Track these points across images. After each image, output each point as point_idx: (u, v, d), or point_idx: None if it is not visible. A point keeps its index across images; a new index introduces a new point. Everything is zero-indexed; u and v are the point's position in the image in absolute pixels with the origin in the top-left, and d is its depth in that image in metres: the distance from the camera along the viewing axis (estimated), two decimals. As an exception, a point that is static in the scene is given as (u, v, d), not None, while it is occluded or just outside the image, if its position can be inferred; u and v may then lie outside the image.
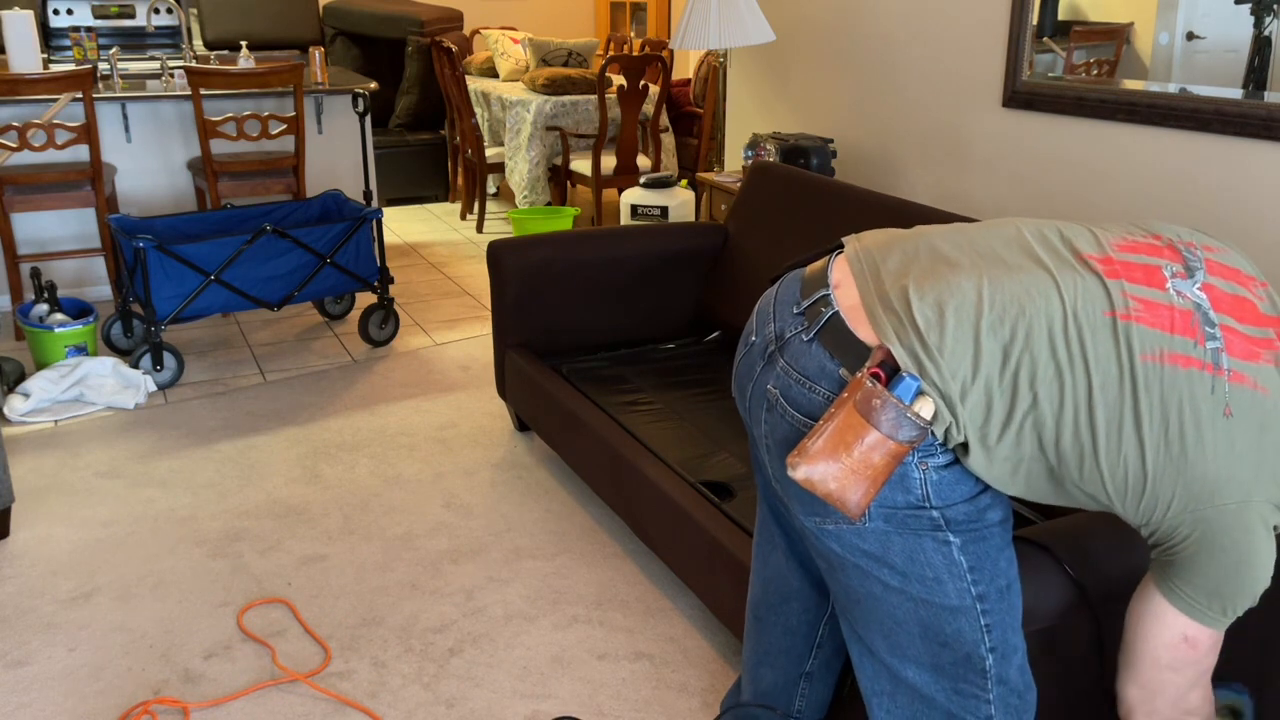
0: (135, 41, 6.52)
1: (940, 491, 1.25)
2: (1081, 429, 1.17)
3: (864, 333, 1.24)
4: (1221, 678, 1.50)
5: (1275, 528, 1.17)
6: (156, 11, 6.46)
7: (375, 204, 4.36)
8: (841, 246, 1.37)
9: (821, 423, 1.21)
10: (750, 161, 3.62)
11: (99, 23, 6.47)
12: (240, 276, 3.64)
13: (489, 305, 4.52)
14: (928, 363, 1.19)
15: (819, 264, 1.35)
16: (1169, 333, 1.16)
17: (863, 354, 1.23)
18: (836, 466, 1.20)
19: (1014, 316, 1.18)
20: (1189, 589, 1.18)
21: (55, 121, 3.90)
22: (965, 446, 1.22)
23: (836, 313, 1.26)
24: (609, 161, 5.60)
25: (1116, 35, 2.71)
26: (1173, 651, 1.21)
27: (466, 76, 6.40)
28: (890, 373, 1.20)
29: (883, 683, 1.37)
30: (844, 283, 1.28)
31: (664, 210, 4.71)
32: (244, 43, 5.01)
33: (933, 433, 1.21)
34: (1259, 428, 1.14)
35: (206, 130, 4.12)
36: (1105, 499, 1.20)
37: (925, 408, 1.19)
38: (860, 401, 1.19)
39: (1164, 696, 1.24)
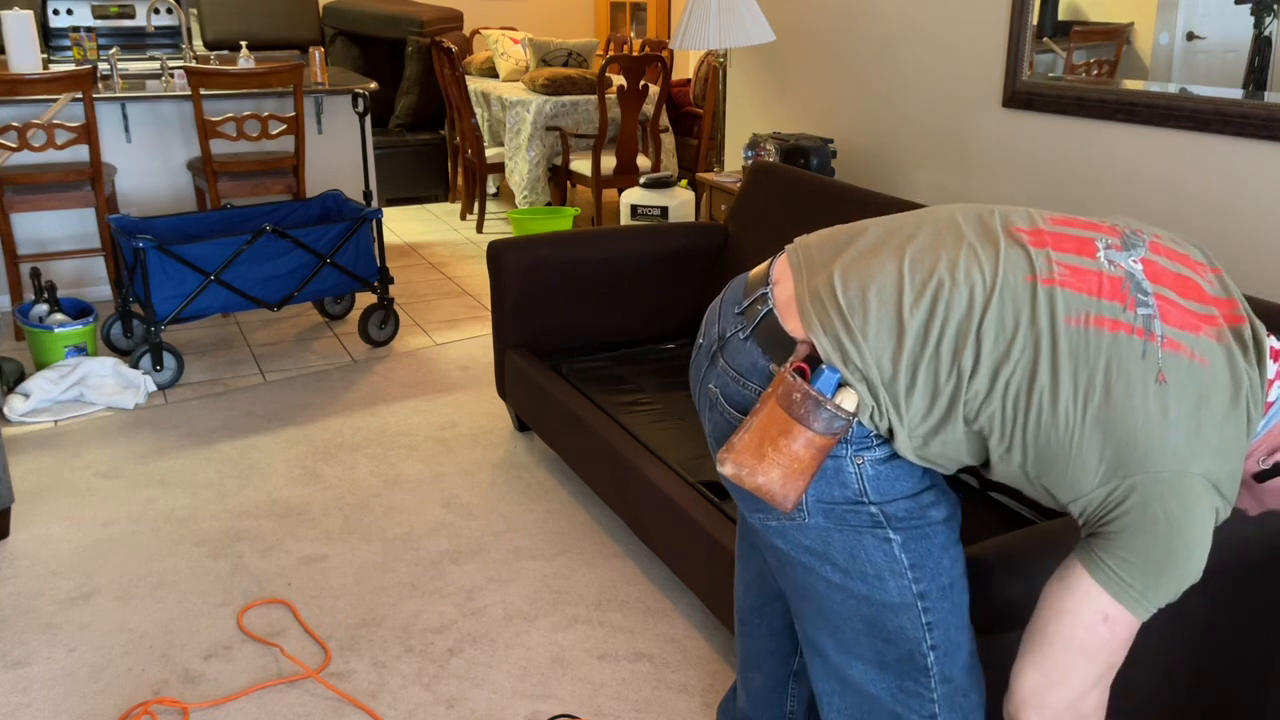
0: (135, 41, 6.52)
1: (878, 486, 1.25)
2: (1007, 398, 1.15)
3: (792, 326, 1.25)
4: None
5: (1217, 509, 1.13)
6: (156, 11, 6.46)
7: (375, 204, 4.36)
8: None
9: (748, 418, 1.23)
10: (750, 162, 3.62)
11: (99, 23, 6.47)
12: (240, 277, 3.64)
13: (489, 305, 4.52)
14: (850, 347, 1.20)
15: (763, 264, 1.37)
16: (1095, 297, 1.15)
17: (790, 348, 1.25)
18: (763, 461, 1.21)
19: (934, 291, 1.18)
20: (1114, 562, 1.13)
21: (55, 121, 3.90)
22: (893, 432, 1.21)
23: (770, 309, 1.28)
24: (609, 161, 5.60)
25: (1116, 35, 2.71)
26: (1089, 631, 1.15)
27: (466, 76, 6.40)
28: (815, 366, 1.21)
29: (831, 682, 1.38)
30: (782, 280, 1.30)
31: (664, 210, 4.71)
32: (244, 43, 5.01)
33: (861, 423, 1.22)
34: (1196, 399, 1.10)
35: (206, 130, 4.12)
36: (1035, 472, 1.18)
37: (847, 400, 1.19)
38: (782, 396, 1.20)
39: (1064, 688, 1.17)
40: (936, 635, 1.30)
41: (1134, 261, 1.18)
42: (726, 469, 1.23)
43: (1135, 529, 1.11)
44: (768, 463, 1.21)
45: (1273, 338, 1.19)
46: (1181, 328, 1.13)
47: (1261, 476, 1.20)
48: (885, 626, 1.30)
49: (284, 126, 4.24)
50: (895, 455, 1.25)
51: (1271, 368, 1.16)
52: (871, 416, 1.21)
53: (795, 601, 1.36)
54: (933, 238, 1.24)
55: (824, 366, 1.20)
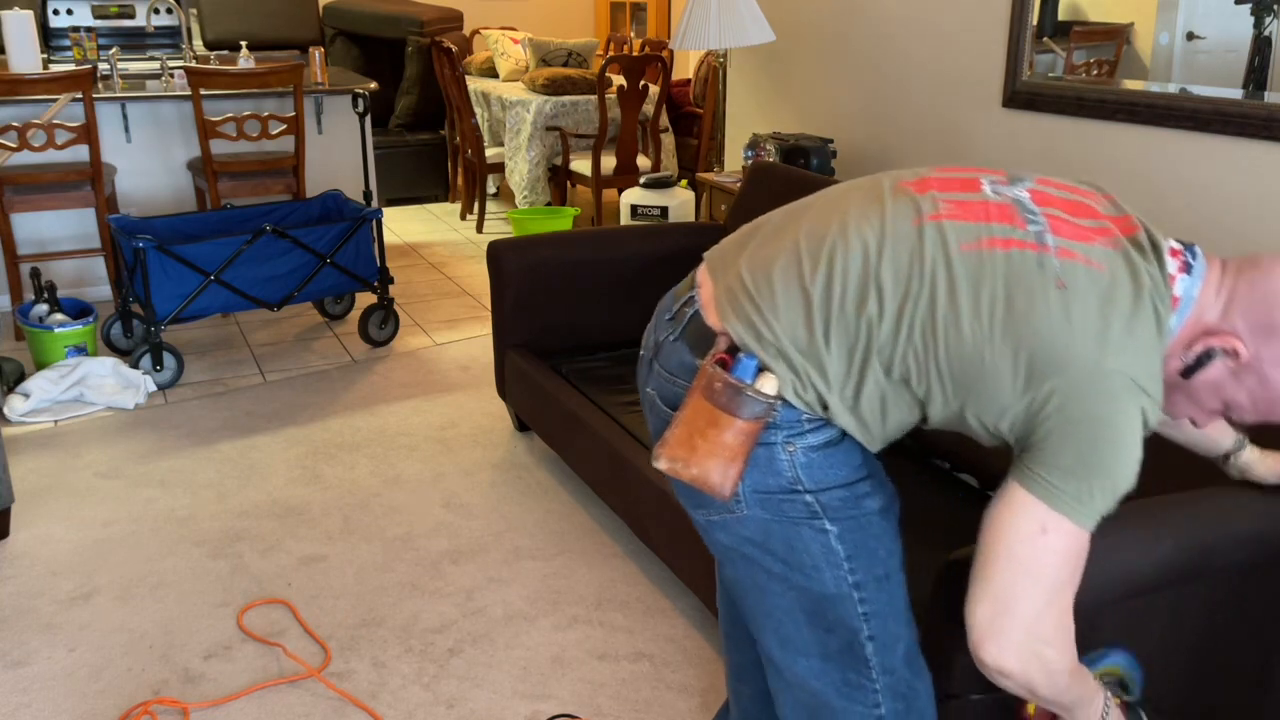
0: (135, 41, 6.52)
1: (811, 474, 1.26)
2: (914, 335, 1.17)
3: (712, 320, 1.29)
4: (1109, 644, 1.44)
5: (1143, 409, 1.13)
6: (156, 11, 6.46)
7: (375, 204, 4.36)
8: None
9: (677, 413, 1.27)
10: (750, 162, 3.62)
11: (99, 23, 6.47)
12: (240, 277, 3.64)
13: (489, 305, 4.52)
14: (763, 327, 1.23)
15: (689, 275, 1.41)
16: (985, 222, 1.18)
17: (713, 342, 1.29)
18: (695, 453, 1.24)
19: (829, 253, 1.22)
20: (1044, 470, 1.13)
21: (55, 121, 3.90)
22: (827, 405, 1.23)
23: (696, 310, 1.33)
24: (609, 161, 5.60)
25: (1116, 35, 2.71)
26: (1029, 545, 1.14)
27: (466, 76, 6.40)
28: (736, 355, 1.25)
29: (780, 680, 1.39)
30: (704, 283, 1.34)
31: (664, 210, 4.71)
32: (244, 43, 5.01)
33: (790, 405, 1.24)
34: (1099, 300, 1.13)
35: (206, 130, 4.12)
36: (959, 402, 1.19)
37: (767, 384, 1.22)
38: (705, 388, 1.24)
39: (1015, 613, 1.15)
40: (874, 626, 1.31)
41: (1020, 190, 1.22)
42: (661, 464, 1.27)
43: (1060, 432, 1.12)
44: (700, 454, 1.24)
45: (1172, 239, 1.22)
46: (1074, 238, 1.16)
47: (1187, 372, 1.21)
48: (825, 618, 1.31)
49: (284, 126, 4.24)
50: (829, 443, 1.26)
51: (1172, 264, 1.19)
52: (796, 392, 1.23)
53: (741, 600, 1.38)
54: (824, 211, 1.28)
55: (741, 355, 1.24)
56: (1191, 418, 1.28)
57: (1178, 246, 1.21)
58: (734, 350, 1.25)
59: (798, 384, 1.23)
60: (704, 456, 1.24)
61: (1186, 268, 1.20)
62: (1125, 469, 1.13)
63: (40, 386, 3.43)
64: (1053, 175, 1.28)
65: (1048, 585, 1.15)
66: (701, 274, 1.36)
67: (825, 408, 1.24)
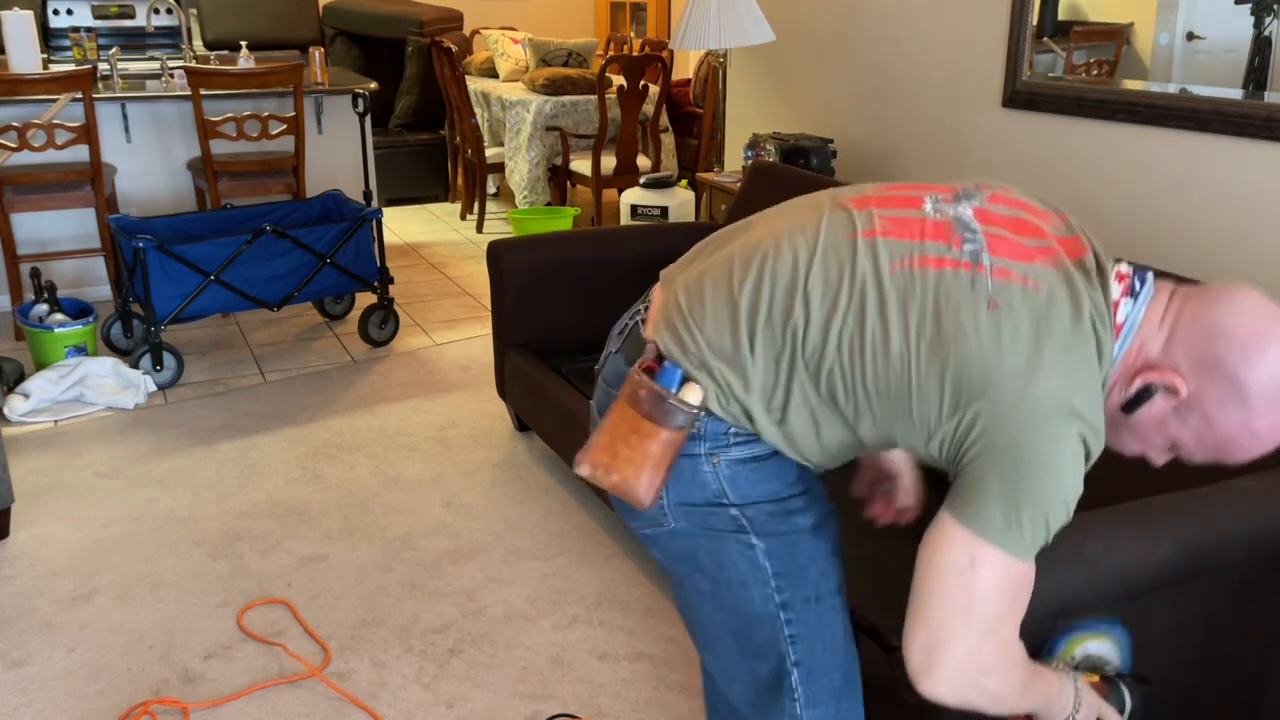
0: (135, 41, 6.52)
1: (737, 487, 1.24)
2: (841, 350, 1.14)
3: (648, 331, 1.29)
4: (1090, 613, 1.40)
5: (1083, 436, 1.08)
6: (156, 11, 6.46)
7: (375, 204, 4.36)
8: None
9: (601, 419, 1.26)
10: (750, 162, 3.62)
11: (99, 23, 6.47)
12: (240, 277, 3.64)
13: (489, 305, 4.52)
14: (687, 337, 1.22)
15: (648, 290, 1.41)
16: (919, 240, 1.15)
17: (643, 351, 1.29)
18: (615, 459, 1.23)
19: (759, 263, 1.20)
20: (972, 499, 1.09)
21: (55, 121, 3.90)
22: (752, 418, 1.21)
23: (636, 323, 1.33)
24: (609, 161, 5.60)
25: (1116, 35, 2.71)
26: (959, 577, 1.09)
27: (466, 77, 6.39)
28: (662, 363, 1.24)
29: (719, 700, 1.38)
30: (656, 297, 1.33)
31: (664, 210, 4.71)
32: (244, 43, 5.01)
33: (716, 417, 1.22)
34: (1033, 321, 1.08)
35: (206, 130, 4.12)
36: (887, 427, 1.16)
37: (692, 394, 1.21)
38: (630, 395, 1.23)
39: (950, 645, 1.10)
40: (800, 650, 1.27)
41: (963, 208, 1.18)
42: (583, 470, 1.25)
43: (986, 458, 1.08)
44: (620, 460, 1.22)
45: (1122, 263, 1.18)
46: (1013, 257, 1.12)
47: (1127, 407, 1.16)
48: (752, 640, 1.28)
49: (284, 126, 4.24)
50: (757, 458, 1.24)
51: (1116, 288, 1.14)
52: (720, 403, 1.21)
53: (683, 619, 1.38)
54: (763, 225, 1.27)
55: (667, 362, 1.23)
56: (1144, 455, 1.22)
57: (1125, 271, 1.17)
58: (662, 359, 1.24)
59: (720, 395, 1.21)
60: (625, 463, 1.22)
61: (1131, 293, 1.15)
62: (1057, 497, 1.08)
63: (40, 386, 3.43)
64: (1014, 189, 1.23)
65: (981, 619, 1.10)
66: (655, 290, 1.35)
67: (751, 420, 1.21)
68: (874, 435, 1.19)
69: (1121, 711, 1.31)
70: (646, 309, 1.34)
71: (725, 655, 1.31)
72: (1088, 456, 1.10)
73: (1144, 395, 1.14)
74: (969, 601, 1.09)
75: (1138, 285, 1.15)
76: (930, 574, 1.11)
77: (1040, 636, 1.41)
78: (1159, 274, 1.51)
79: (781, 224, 1.24)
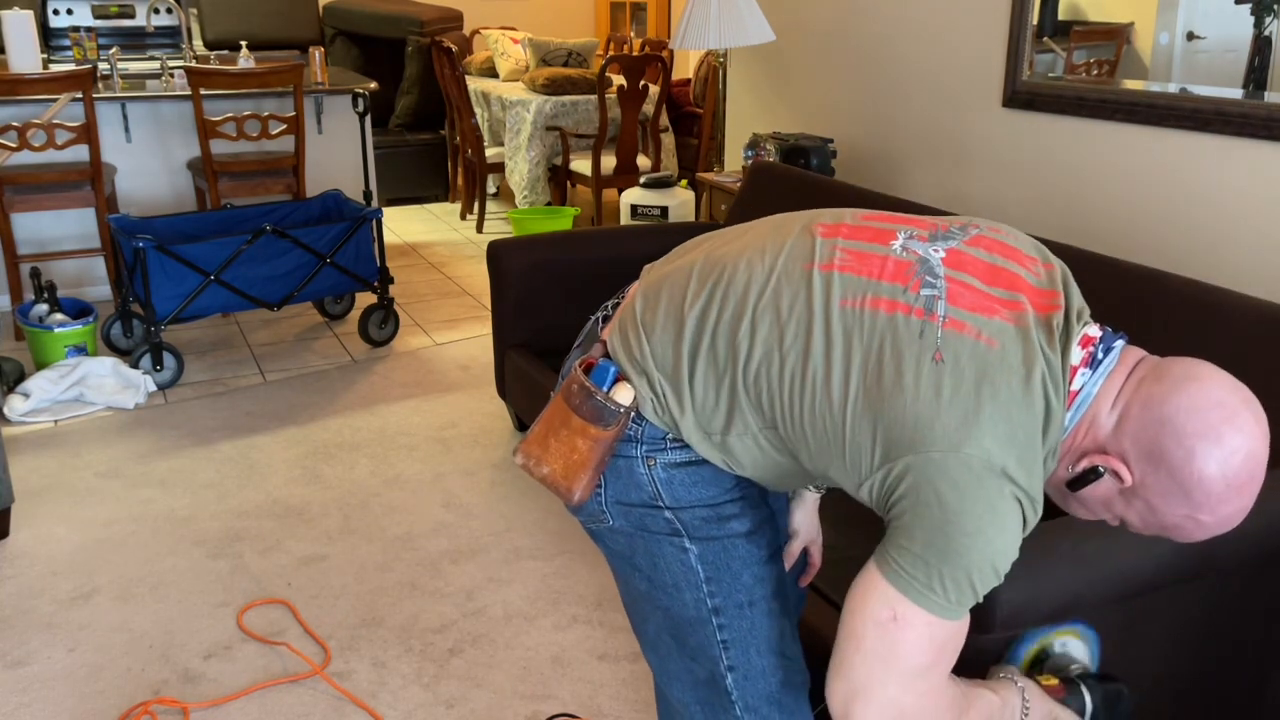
0: (135, 41, 6.52)
1: (671, 490, 1.24)
2: (784, 381, 1.13)
3: (605, 330, 1.29)
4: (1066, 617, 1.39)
5: (1019, 501, 1.06)
6: (156, 11, 6.46)
7: (375, 204, 4.36)
8: None
9: (541, 413, 1.27)
10: (750, 162, 3.62)
11: (99, 23, 6.47)
12: (240, 276, 3.64)
13: (489, 305, 4.52)
14: (634, 341, 1.23)
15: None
16: (875, 279, 1.12)
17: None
18: (547, 452, 1.24)
19: (714, 281, 1.20)
20: (896, 553, 1.06)
21: (55, 121, 3.90)
22: (687, 437, 1.21)
23: (598, 319, 1.33)
24: (609, 161, 5.60)
25: (1116, 35, 2.71)
26: (880, 630, 1.06)
27: (466, 76, 6.40)
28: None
29: (662, 703, 1.38)
30: (629, 295, 1.33)
31: (664, 210, 4.71)
32: (244, 43, 5.01)
33: (648, 420, 1.22)
34: (976, 379, 1.05)
35: (206, 130, 4.12)
36: (821, 464, 1.14)
37: (623, 394, 1.21)
38: (565, 390, 1.23)
39: (871, 699, 1.07)
40: (733, 655, 1.27)
41: (934, 250, 1.14)
42: (518, 459, 1.26)
43: (911, 514, 1.05)
44: (551, 454, 1.23)
45: (1092, 326, 1.13)
46: (972, 310, 1.08)
47: (1074, 485, 1.13)
48: (687, 642, 1.28)
49: (284, 126, 4.24)
50: (693, 462, 1.23)
51: (1078, 354, 1.10)
52: (655, 410, 1.21)
53: (627, 616, 1.39)
54: (732, 239, 1.26)
55: (603, 360, 1.23)
56: (1097, 516, 1.20)
57: (1094, 334, 1.12)
58: (607, 358, 1.25)
59: (656, 404, 1.21)
60: (554, 457, 1.23)
61: (1092, 361, 1.10)
62: (983, 560, 1.04)
63: (40, 386, 3.43)
64: (1007, 232, 1.19)
65: (902, 674, 1.07)
66: (632, 289, 1.34)
67: (682, 435, 1.21)
68: (813, 468, 1.18)
69: (1081, 713, 1.30)
70: (614, 306, 1.34)
71: (665, 653, 1.32)
72: (1023, 521, 1.07)
73: (1089, 476, 1.11)
74: (889, 655, 1.07)
75: (1100, 355, 1.11)
76: (853, 622, 1.09)
77: (1005, 639, 1.41)
78: (1130, 341, 1.45)
79: (748, 241, 1.23)
